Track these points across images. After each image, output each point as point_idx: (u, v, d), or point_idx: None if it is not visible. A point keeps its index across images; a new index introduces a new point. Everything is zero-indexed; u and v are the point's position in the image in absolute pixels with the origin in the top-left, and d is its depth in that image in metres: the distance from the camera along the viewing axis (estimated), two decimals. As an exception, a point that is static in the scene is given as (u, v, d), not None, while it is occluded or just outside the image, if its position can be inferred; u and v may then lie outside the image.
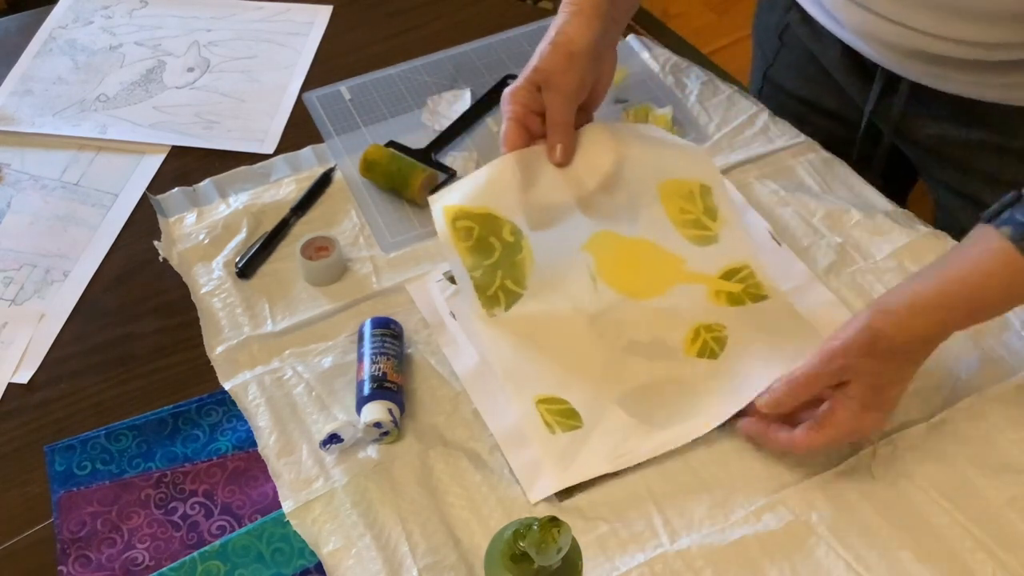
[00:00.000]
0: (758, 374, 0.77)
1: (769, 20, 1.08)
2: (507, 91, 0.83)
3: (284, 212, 0.95)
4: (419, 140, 1.01)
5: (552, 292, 0.82)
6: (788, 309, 0.83)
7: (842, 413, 0.71)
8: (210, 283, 0.90)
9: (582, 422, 0.76)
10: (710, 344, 0.81)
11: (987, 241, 0.69)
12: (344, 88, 1.08)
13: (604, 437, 0.76)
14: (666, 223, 0.85)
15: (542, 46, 0.82)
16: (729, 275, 0.84)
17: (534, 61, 0.82)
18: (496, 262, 0.81)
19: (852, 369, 0.70)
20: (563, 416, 0.77)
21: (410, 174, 0.95)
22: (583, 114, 0.86)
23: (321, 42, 1.16)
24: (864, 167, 0.99)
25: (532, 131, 0.84)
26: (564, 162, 0.84)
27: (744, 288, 0.84)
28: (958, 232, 0.80)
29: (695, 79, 1.07)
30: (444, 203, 0.83)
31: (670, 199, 0.86)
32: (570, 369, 0.79)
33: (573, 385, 0.78)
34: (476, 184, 0.83)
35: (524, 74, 0.83)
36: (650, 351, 0.80)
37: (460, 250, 0.81)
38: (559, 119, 0.83)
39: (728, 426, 0.77)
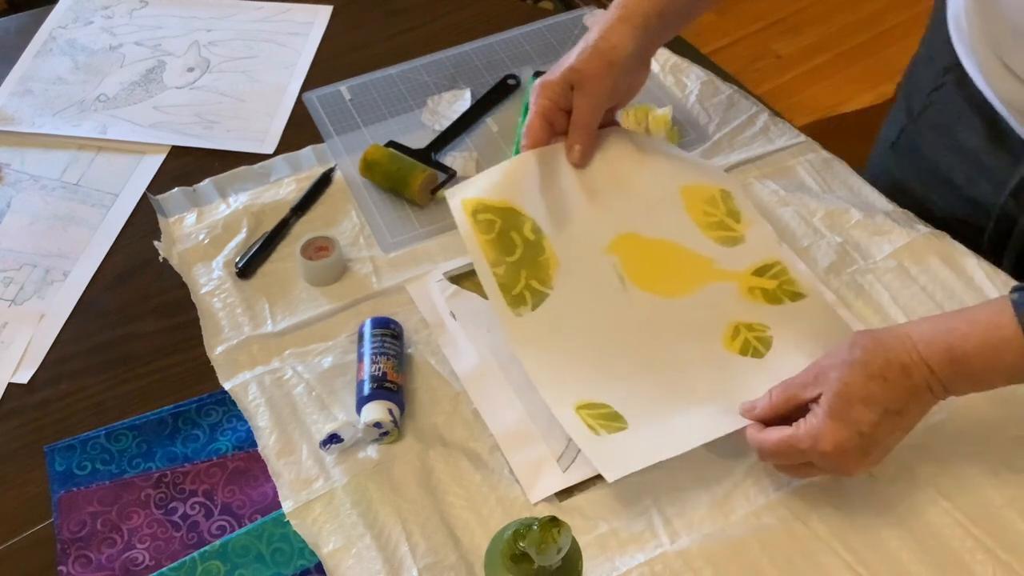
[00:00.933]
0: None
1: (924, 76, 0.97)
2: (539, 82, 0.83)
3: (284, 212, 0.95)
4: (419, 140, 1.01)
5: (580, 292, 0.81)
6: (826, 308, 0.82)
7: (808, 419, 0.69)
8: (210, 283, 0.90)
9: (627, 423, 0.75)
10: (753, 343, 0.80)
11: (996, 301, 0.68)
12: (344, 88, 1.08)
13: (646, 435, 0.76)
14: (690, 225, 0.84)
15: (583, 45, 0.82)
16: (761, 272, 0.83)
17: (572, 60, 0.82)
18: (519, 260, 0.80)
19: (824, 377, 0.69)
20: (607, 419, 0.75)
21: (410, 174, 0.95)
22: (608, 115, 0.87)
23: (321, 42, 1.16)
24: (996, 253, 0.91)
25: (556, 128, 0.84)
26: (582, 164, 0.84)
27: (779, 285, 0.83)
28: None
29: (695, 79, 1.07)
30: (463, 196, 0.82)
31: (692, 202, 0.85)
32: (607, 371, 0.78)
33: (613, 387, 0.77)
34: (495, 179, 0.83)
35: (559, 70, 0.83)
36: (688, 347, 0.79)
37: (482, 243, 0.79)
38: (585, 121, 0.83)
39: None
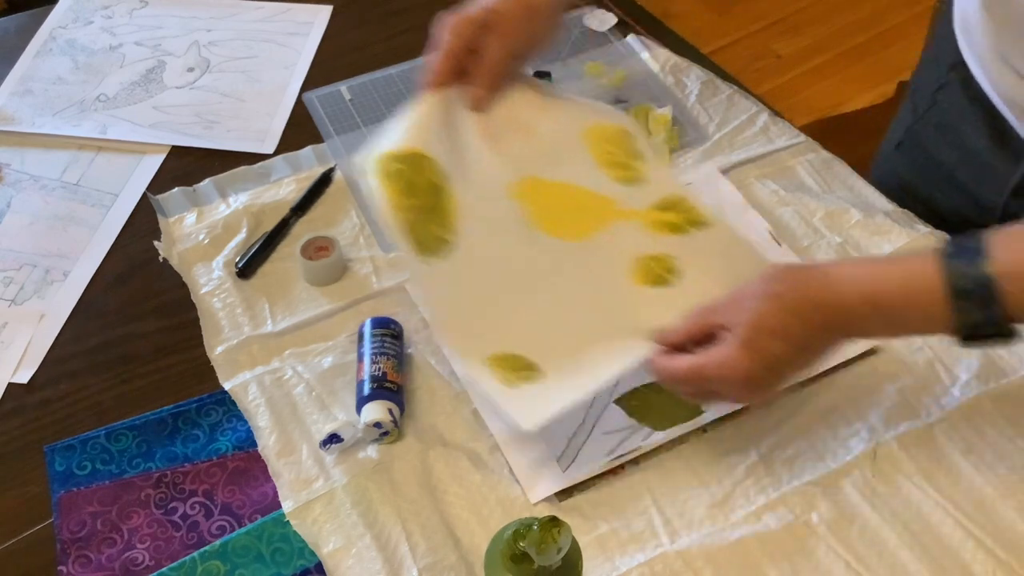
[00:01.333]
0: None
1: (929, 75, 0.97)
2: (448, 21, 0.78)
3: (284, 212, 0.95)
4: (419, 140, 1.01)
5: (485, 240, 0.78)
6: (734, 235, 0.80)
7: (718, 347, 0.67)
8: (210, 283, 0.90)
9: (542, 371, 0.74)
10: (660, 273, 0.78)
11: (923, 251, 0.66)
12: (344, 88, 1.08)
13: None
14: (593, 165, 0.82)
15: None
16: (664, 207, 0.81)
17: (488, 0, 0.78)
18: (424, 206, 0.76)
19: (740, 306, 0.68)
20: (521, 369, 0.74)
21: (410, 174, 0.95)
22: (516, 65, 0.82)
23: (321, 42, 1.16)
24: None
25: (462, 69, 0.79)
26: (481, 109, 0.80)
27: (684, 218, 0.81)
28: None
29: (695, 79, 1.07)
30: (373, 158, 0.78)
31: (595, 143, 0.83)
32: (518, 319, 0.76)
33: (524, 335, 0.76)
34: (401, 128, 0.79)
35: (473, 8, 0.78)
36: (596, 287, 0.78)
37: (390, 192, 0.75)
38: (496, 66, 0.78)
39: (728, 425, 0.78)
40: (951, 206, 0.94)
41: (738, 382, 0.67)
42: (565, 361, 0.74)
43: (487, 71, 0.79)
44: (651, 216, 0.80)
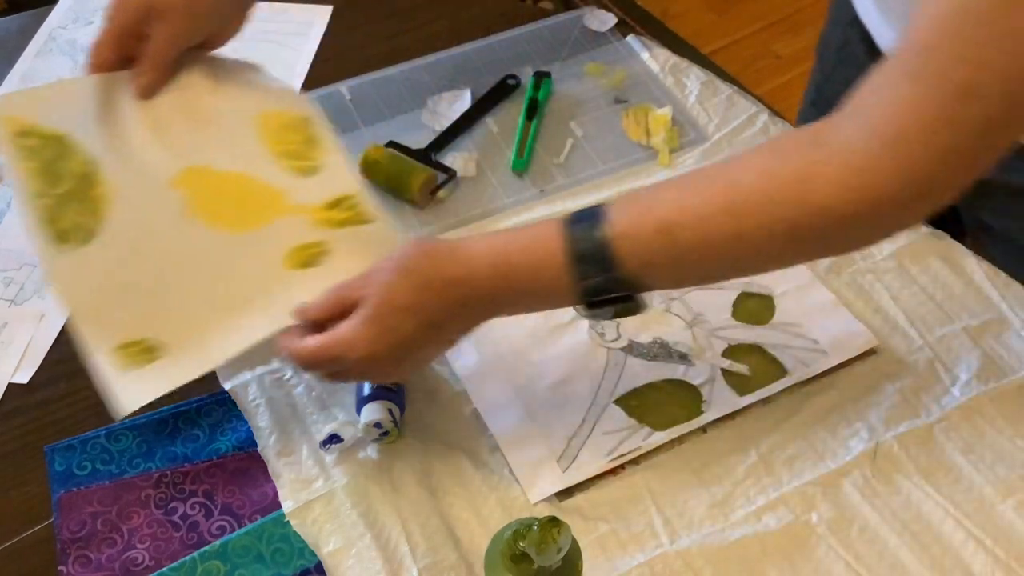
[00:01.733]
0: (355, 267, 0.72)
1: (832, 35, 1.02)
2: (111, 3, 0.77)
3: (284, 212, 0.95)
4: (419, 140, 1.01)
5: (135, 229, 0.76)
6: (392, 234, 0.79)
7: (344, 324, 0.66)
8: (210, 283, 0.90)
9: (162, 354, 0.73)
10: (310, 258, 0.76)
11: (554, 219, 0.65)
12: (344, 88, 1.08)
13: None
14: (265, 155, 0.80)
15: None
16: (333, 205, 0.80)
17: None
18: (67, 193, 0.75)
19: (372, 280, 0.67)
20: (141, 354, 0.73)
21: (410, 174, 0.95)
22: (184, 50, 0.80)
23: (321, 42, 1.16)
24: None
25: (127, 53, 0.78)
26: (147, 97, 0.79)
27: (350, 215, 0.79)
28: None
29: (695, 79, 1.07)
30: (6, 112, 0.76)
31: (268, 131, 0.81)
32: (158, 307, 0.75)
33: (159, 321, 0.74)
34: (49, 100, 0.78)
35: None
36: (246, 276, 0.76)
37: (23, 171, 0.75)
38: (160, 54, 0.77)
39: (728, 425, 0.78)
40: None
41: (362, 360, 0.65)
42: (191, 344, 0.73)
43: (150, 59, 0.78)
44: (318, 214, 0.79)
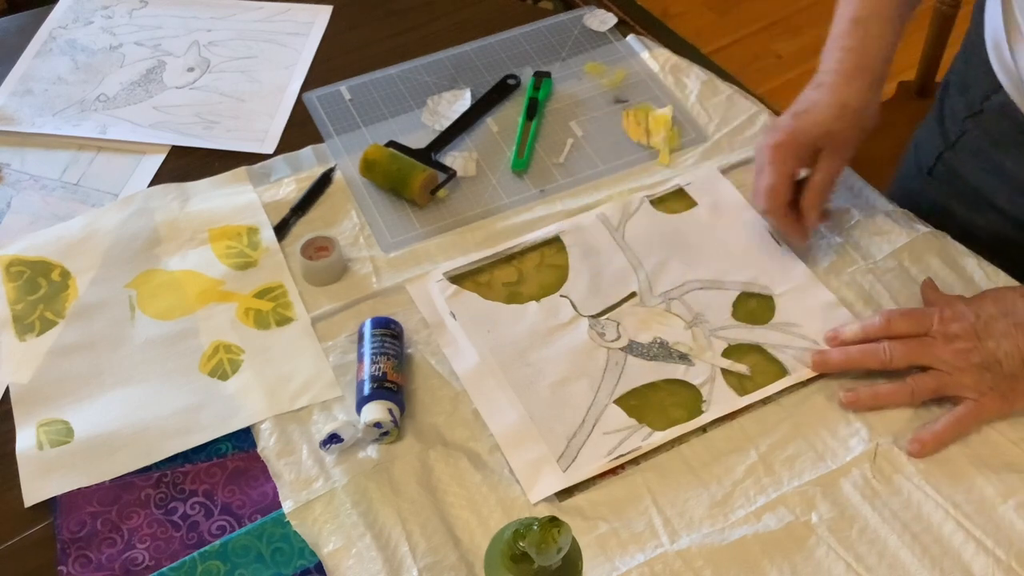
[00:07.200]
0: (253, 408, 0.79)
1: (958, 103, 0.96)
2: (777, 144, 0.83)
3: (284, 212, 0.95)
4: (419, 140, 1.01)
5: (88, 322, 0.86)
6: (308, 333, 0.85)
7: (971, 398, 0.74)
8: (210, 283, 0.90)
9: (72, 438, 0.78)
10: (224, 366, 0.83)
11: None
12: (344, 88, 1.08)
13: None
14: (212, 258, 0.91)
15: (827, 99, 0.82)
16: (262, 294, 0.88)
17: (816, 116, 0.81)
18: (40, 297, 0.88)
19: (940, 307, 0.75)
20: (57, 435, 0.79)
21: (410, 174, 0.95)
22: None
23: (321, 42, 1.16)
24: None
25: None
26: (807, 240, 0.88)
27: (274, 307, 0.87)
28: None
29: (695, 79, 1.07)
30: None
31: (217, 240, 0.92)
32: (91, 390, 0.81)
33: (84, 405, 0.81)
34: (36, 243, 0.93)
35: (799, 128, 0.82)
36: (166, 365, 0.83)
37: (8, 289, 0.89)
38: (830, 185, 0.84)
39: (728, 425, 0.78)
40: (992, 230, 0.94)
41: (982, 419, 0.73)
42: (98, 436, 0.78)
43: (819, 190, 0.85)
44: (247, 302, 0.87)
